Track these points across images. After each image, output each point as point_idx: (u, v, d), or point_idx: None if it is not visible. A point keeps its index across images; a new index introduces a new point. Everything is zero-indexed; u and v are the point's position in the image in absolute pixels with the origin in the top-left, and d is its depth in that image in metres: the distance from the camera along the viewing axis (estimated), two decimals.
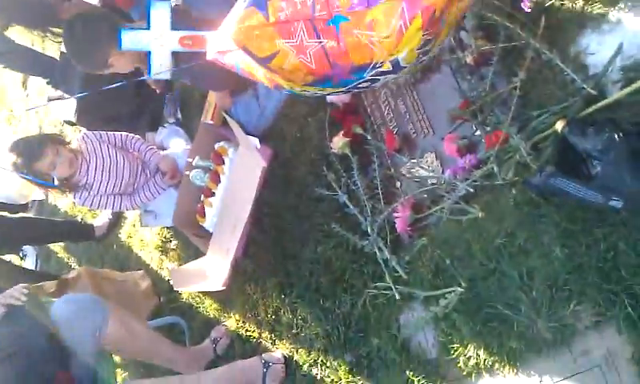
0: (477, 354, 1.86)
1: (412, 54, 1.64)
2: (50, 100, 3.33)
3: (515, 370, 1.80)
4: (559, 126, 1.68)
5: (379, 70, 1.67)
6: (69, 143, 2.67)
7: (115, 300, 2.55)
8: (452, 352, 1.92)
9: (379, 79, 1.73)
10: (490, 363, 1.84)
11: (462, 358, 1.90)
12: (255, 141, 2.47)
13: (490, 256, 1.86)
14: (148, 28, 2.29)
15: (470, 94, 1.97)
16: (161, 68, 2.35)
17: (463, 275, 1.89)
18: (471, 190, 1.87)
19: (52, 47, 3.94)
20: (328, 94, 1.95)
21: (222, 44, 1.74)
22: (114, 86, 2.18)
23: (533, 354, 1.77)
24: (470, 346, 1.88)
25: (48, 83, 3.37)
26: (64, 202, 3.78)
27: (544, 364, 1.76)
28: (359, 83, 1.73)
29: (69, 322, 2.11)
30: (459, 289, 1.84)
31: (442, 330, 1.95)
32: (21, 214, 3.72)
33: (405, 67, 1.68)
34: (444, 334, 1.94)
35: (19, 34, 3.94)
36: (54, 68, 3.34)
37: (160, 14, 2.28)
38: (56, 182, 2.65)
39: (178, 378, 2.32)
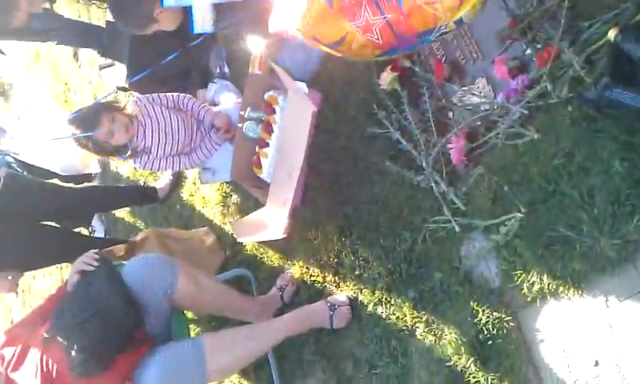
0: (540, 278, 1.83)
1: (474, 9, 1.63)
2: (101, 68, 3.40)
3: (580, 292, 1.76)
4: (612, 34, 1.61)
5: (444, 31, 1.68)
6: (123, 108, 2.71)
7: (182, 257, 2.62)
8: (515, 279, 1.89)
9: (444, 36, 1.74)
10: (555, 287, 1.81)
11: (525, 284, 1.87)
12: (303, 86, 2.46)
13: (549, 178, 1.81)
14: None
15: (517, 11, 1.90)
16: (203, 21, 2.37)
17: (522, 200, 1.85)
18: (525, 111, 1.83)
19: (97, 15, 4.01)
20: None
21: (287, 30, 1.74)
22: (170, 57, 2.21)
23: (597, 273, 1.73)
24: (533, 271, 1.85)
25: (98, 53, 3.44)
26: (125, 169, 3.89)
27: (609, 283, 1.72)
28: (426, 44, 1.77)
29: (140, 282, 2.18)
30: (519, 214, 1.81)
31: (503, 258, 1.92)
32: (85, 184, 3.84)
33: (467, 22, 1.67)
34: (506, 262, 1.91)
35: (66, 7, 4.02)
36: (102, 37, 3.41)
37: None
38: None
39: (248, 327, 2.38)
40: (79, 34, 3.60)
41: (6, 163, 3.53)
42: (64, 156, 3.75)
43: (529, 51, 1.89)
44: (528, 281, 1.86)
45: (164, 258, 2.31)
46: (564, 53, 1.72)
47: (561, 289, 1.80)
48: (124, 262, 2.36)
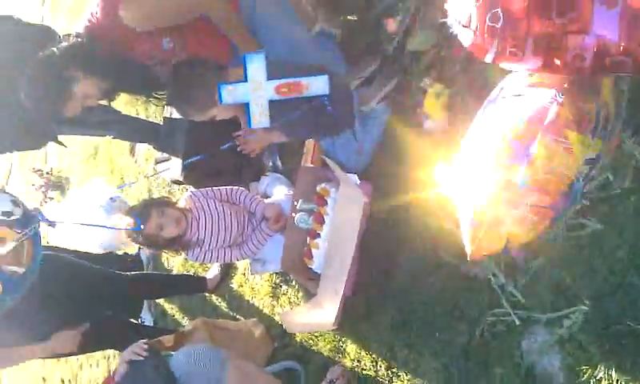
0: (608, 374, 1.74)
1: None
2: (157, 162, 3.50)
3: None
4: None
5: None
6: (174, 203, 2.78)
7: (231, 348, 2.60)
8: (581, 375, 1.81)
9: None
10: (623, 383, 1.72)
11: (592, 381, 1.78)
12: (354, 177, 2.49)
13: (614, 270, 1.76)
14: (245, 80, 2.38)
15: None
16: (260, 117, 2.44)
17: (586, 293, 1.80)
18: (587, 202, 1.79)
19: (155, 113, 4.16)
20: None
21: None
22: (226, 146, 2.28)
23: None
24: (600, 366, 1.76)
25: (155, 148, 3.55)
26: (176, 259, 3.92)
27: None
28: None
29: (188, 374, 2.16)
30: (583, 307, 1.75)
31: (567, 353, 1.84)
32: (136, 272, 3.87)
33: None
34: (571, 357, 1.83)
35: (124, 105, 4.19)
36: (159, 132, 3.53)
37: (256, 66, 2.37)
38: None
39: None
40: (137, 130, 3.74)
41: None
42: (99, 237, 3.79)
43: None
44: (594, 377, 1.77)
45: (213, 350, 2.29)
46: (624, 143, 1.71)
47: None
48: (172, 353, 2.34)
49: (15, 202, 2.21)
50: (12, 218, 2.14)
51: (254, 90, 2.38)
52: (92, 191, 4.18)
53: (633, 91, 1.72)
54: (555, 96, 1.56)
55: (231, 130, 3.13)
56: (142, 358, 2.21)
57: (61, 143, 3.45)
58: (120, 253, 3.99)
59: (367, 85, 2.62)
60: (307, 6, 2.66)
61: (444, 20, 1.63)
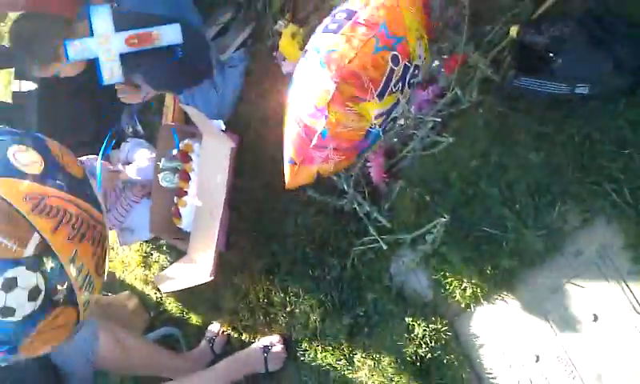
0: (471, 282, 1.83)
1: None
2: None
3: (512, 290, 1.76)
4: (513, 31, 1.68)
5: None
6: None
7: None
8: (447, 288, 1.88)
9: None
10: (487, 289, 1.81)
11: (458, 291, 1.86)
12: (220, 123, 2.43)
13: (468, 181, 1.84)
14: (92, 35, 2.26)
15: None
16: (111, 73, 2.32)
17: (445, 207, 1.86)
18: (439, 120, 1.85)
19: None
20: None
21: None
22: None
23: (527, 268, 1.75)
24: (463, 276, 1.84)
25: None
26: None
27: (540, 276, 1.73)
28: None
29: (59, 348, 2.03)
30: (442, 219, 1.81)
31: (433, 268, 1.91)
32: None
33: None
34: (436, 272, 1.90)
35: None
36: (12, 112, 3.29)
37: (102, 19, 2.25)
38: None
39: (178, 381, 2.24)
40: None
41: None
42: None
43: (436, 62, 1.93)
44: (460, 287, 1.85)
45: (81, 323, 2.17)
46: (470, 57, 1.77)
47: (493, 290, 1.79)
48: None
49: None
50: None
51: (102, 43, 2.26)
52: None
53: (472, 7, 1.79)
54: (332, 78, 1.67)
55: (87, 95, 2.99)
56: None
57: None
58: None
59: (223, 34, 2.56)
60: None
61: None
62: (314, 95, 1.71)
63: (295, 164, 1.81)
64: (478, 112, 1.82)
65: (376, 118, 1.75)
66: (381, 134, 1.80)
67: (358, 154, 1.87)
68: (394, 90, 1.73)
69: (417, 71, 1.77)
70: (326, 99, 1.67)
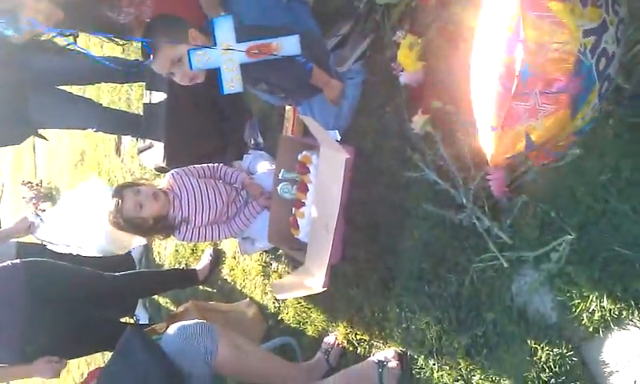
0: (600, 305, 1.69)
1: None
2: (140, 151, 3.46)
3: None
4: None
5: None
6: (146, 181, 2.76)
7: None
8: (573, 310, 1.76)
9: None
10: (617, 312, 1.67)
11: (585, 314, 1.73)
12: (335, 133, 2.44)
13: (597, 196, 1.71)
14: (215, 45, 2.33)
15: None
16: (232, 82, 2.39)
17: (571, 224, 1.75)
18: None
19: (138, 109, 4.13)
20: None
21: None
22: None
23: None
24: (591, 298, 1.71)
25: (137, 137, 3.51)
26: (167, 253, 3.88)
27: None
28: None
29: (180, 350, 2.11)
30: (568, 237, 1.70)
31: (558, 289, 1.79)
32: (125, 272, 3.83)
33: None
34: (561, 293, 1.78)
35: (108, 93, 4.14)
36: (139, 122, 3.50)
37: (225, 30, 2.32)
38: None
39: None
40: (119, 121, 3.70)
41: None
42: (100, 237, 3.78)
43: None
44: (587, 310, 1.73)
45: (203, 325, 2.23)
46: None
47: (624, 314, 1.66)
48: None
49: None
50: None
51: (224, 53, 2.33)
52: (87, 190, 4.17)
53: None
54: None
55: (211, 108, 3.12)
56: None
57: (42, 136, 3.42)
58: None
59: (341, 47, 2.57)
60: None
61: None
62: (504, 24, 1.47)
63: (497, 129, 1.54)
64: (607, 123, 1.69)
65: (585, 35, 1.45)
66: (594, 71, 1.48)
67: (573, 106, 1.51)
68: (597, 2, 1.46)
69: None
70: (518, 14, 1.41)
